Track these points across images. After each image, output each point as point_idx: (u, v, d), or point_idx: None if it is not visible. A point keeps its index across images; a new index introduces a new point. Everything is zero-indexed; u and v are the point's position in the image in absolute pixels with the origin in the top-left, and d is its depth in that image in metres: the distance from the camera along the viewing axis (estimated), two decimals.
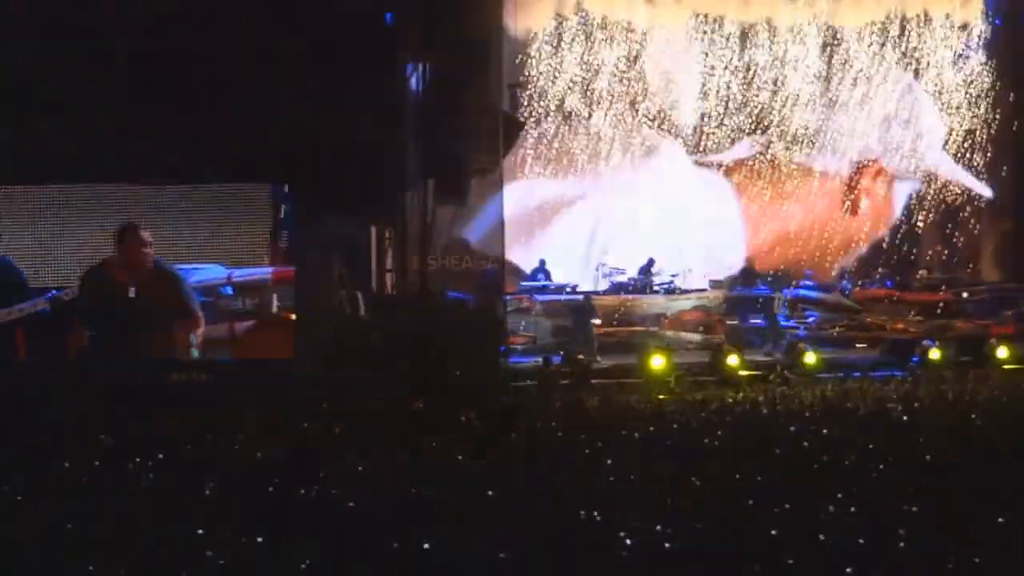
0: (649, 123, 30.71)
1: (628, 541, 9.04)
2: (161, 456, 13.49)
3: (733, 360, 22.91)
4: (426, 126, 24.75)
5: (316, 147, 23.29)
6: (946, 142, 30.93)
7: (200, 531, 9.61)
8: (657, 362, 22.37)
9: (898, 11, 30.65)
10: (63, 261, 28.48)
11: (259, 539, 9.35)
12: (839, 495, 10.40)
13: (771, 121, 31.14)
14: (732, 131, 31.27)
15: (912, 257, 31.67)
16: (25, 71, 23.21)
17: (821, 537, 9.14)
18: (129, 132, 22.89)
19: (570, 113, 30.48)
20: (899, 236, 31.45)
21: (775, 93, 31.10)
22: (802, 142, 31.41)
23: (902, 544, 8.88)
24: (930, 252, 31.25)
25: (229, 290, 26.81)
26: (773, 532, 9.21)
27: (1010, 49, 30.78)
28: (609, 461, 12.46)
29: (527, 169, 30.61)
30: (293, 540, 9.35)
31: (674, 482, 11.27)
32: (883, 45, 30.98)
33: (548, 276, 29.83)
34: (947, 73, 31.19)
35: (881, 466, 11.97)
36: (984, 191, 31.67)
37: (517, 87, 28.70)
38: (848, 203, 30.79)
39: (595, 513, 9.87)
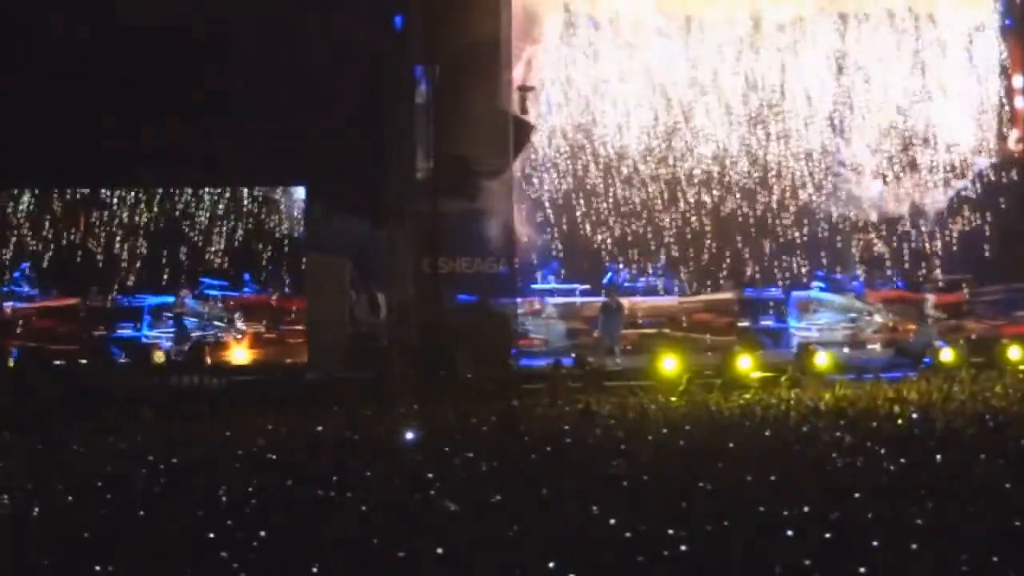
0: None
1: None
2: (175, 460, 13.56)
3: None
4: (436, 129, 24.78)
5: (328, 151, 23.32)
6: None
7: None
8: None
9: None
10: None
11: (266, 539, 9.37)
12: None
13: None
14: None
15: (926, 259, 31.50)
16: (32, 72, 23.29)
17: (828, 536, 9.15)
18: (139, 136, 22.96)
19: None
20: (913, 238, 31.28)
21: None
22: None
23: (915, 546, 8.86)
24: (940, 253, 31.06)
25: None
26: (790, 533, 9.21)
27: (1020, 50, 30.60)
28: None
29: None
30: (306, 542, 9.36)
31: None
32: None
33: (558, 278, 29.72)
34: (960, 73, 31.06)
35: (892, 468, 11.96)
36: (993, 192, 31.47)
37: (527, 90, 28.62)
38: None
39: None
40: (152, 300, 27.61)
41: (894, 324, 28.47)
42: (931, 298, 27.94)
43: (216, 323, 27.53)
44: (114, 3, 23.05)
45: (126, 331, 27.20)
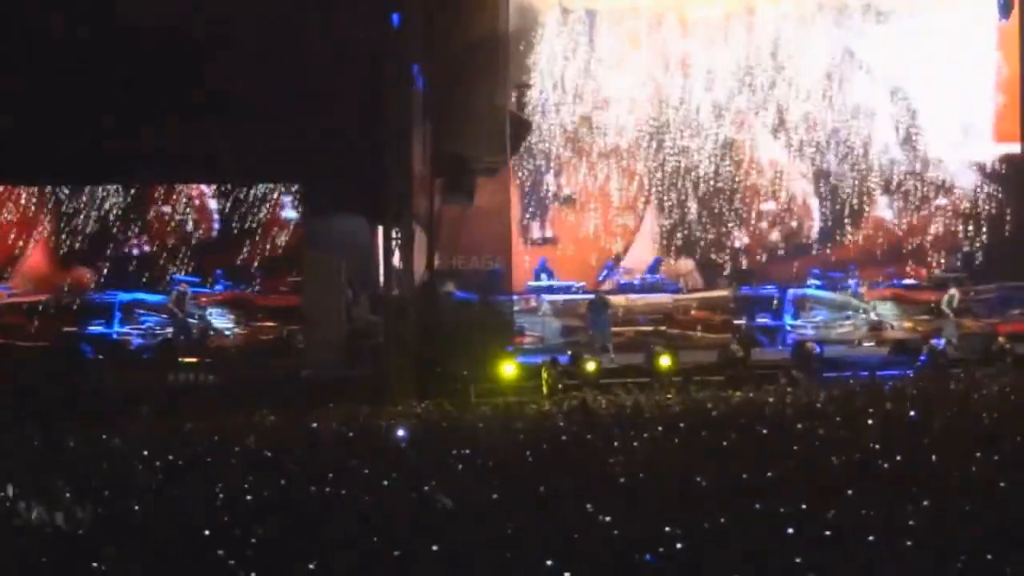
0: None
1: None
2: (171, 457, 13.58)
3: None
4: (434, 127, 24.80)
5: (326, 150, 23.33)
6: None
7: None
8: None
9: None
10: None
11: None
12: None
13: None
14: None
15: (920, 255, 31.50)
16: (33, 70, 23.29)
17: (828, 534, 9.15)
18: (139, 136, 22.95)
19: None
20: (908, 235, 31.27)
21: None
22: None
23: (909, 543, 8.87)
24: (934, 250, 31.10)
25: None
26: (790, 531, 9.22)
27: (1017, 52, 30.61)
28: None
29: None
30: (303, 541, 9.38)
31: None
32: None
33: (551, 275, 29.79)
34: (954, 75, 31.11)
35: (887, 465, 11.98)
36: (991, 190, 31.47)
37: (524, 88, 28.69)
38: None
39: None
40: (124, 296, 27.55)
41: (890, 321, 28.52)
42: (956, 293, 27.97)
43: (188, 319, 27.52)
44: (114, 3, 23.07)
45: (97, 328, 27.09)
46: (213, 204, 29.56)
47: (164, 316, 27.22)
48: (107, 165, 23.95)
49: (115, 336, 26.94)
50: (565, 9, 30.32)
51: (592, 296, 27.50)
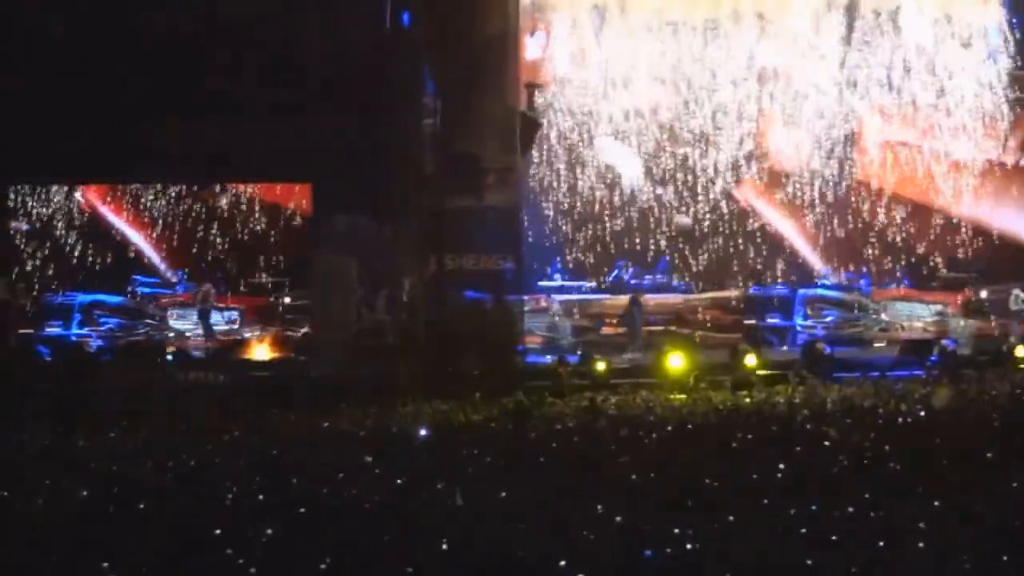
0: None
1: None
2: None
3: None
4: (443, 126, 24.82)
5: (333, 149, 23.35)
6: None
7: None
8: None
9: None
10: None
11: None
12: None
13: None
14: None
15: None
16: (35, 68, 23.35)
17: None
18: (142, 133, 23.00)
19: None
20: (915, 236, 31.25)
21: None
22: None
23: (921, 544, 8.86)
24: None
25: None
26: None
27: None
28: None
29: None
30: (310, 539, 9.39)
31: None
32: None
33: (563, 275, 29.80)
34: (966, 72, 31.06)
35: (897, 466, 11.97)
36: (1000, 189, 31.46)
37: (534, 87, 28.70)
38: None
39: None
40: (83, 298, 27.40)
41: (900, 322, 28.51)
42: (1020, 293, 28.00)
43: (148, 321, 27.46)
44: (114, 3, 23.16)
45: (55, 329, 26.87)
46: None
47: (124, 318, 27.20)
48: (108, 165, 23.99)
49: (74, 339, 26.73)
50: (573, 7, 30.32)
51: (631, 296, 27.72)
